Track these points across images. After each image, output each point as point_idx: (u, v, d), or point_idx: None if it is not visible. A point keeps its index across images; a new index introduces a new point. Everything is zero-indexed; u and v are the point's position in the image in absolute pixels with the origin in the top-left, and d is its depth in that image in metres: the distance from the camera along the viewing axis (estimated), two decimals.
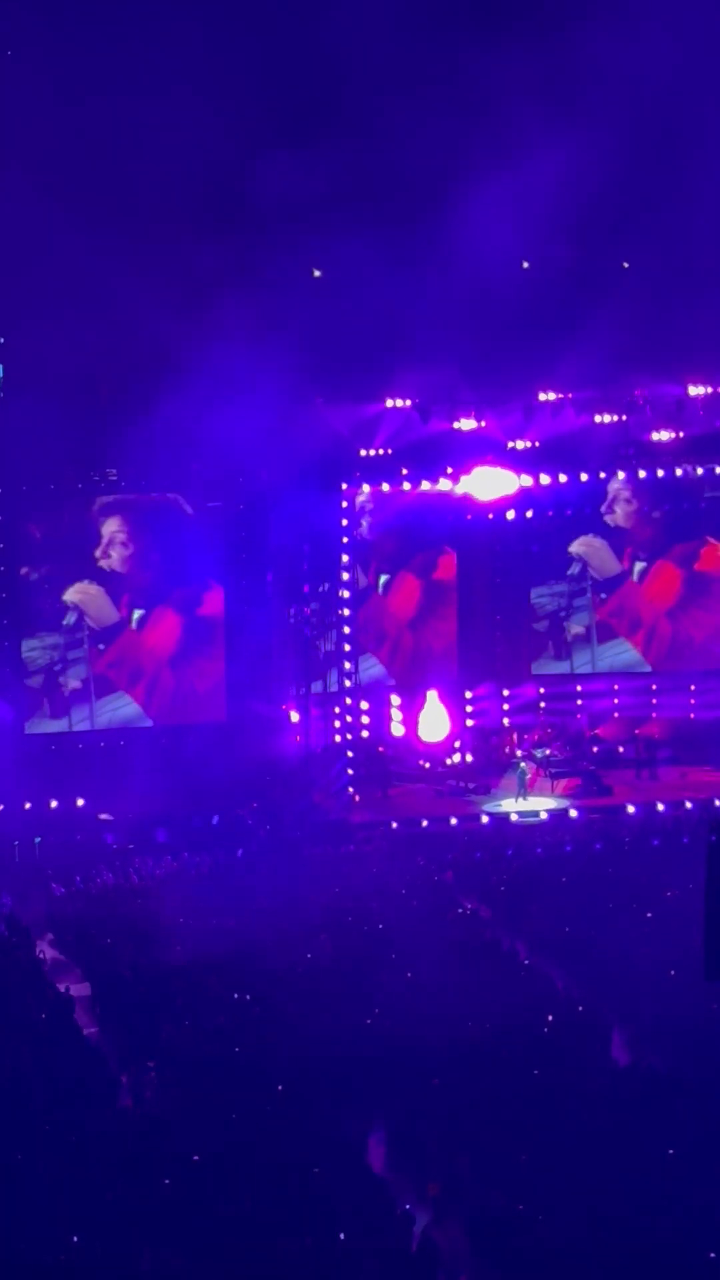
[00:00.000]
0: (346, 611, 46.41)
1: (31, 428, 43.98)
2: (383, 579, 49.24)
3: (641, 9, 42.46)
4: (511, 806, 45.20)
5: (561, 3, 44.83)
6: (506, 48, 43.75)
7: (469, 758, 48.50)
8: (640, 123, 44.49)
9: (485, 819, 44.51)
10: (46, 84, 44.02)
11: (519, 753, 47.65)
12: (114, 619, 46.63)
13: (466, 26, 45.10)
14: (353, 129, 44.39)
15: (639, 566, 50.24)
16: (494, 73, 43.73)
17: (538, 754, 47.18)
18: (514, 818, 44.55)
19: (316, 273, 47.66)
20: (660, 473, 48.00)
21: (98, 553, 46.44)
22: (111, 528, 46.46)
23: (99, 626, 46.51)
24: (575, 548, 49.93)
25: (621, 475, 48.37)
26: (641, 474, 48.06)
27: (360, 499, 47.27)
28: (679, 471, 48.06)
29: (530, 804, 45.23)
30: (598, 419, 48.43)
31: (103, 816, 43.65)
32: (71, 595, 46.26)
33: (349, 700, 46.68)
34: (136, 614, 46.94)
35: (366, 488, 46.72)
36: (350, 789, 45.94)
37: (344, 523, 46.14)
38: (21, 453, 44.73)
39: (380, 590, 49.27)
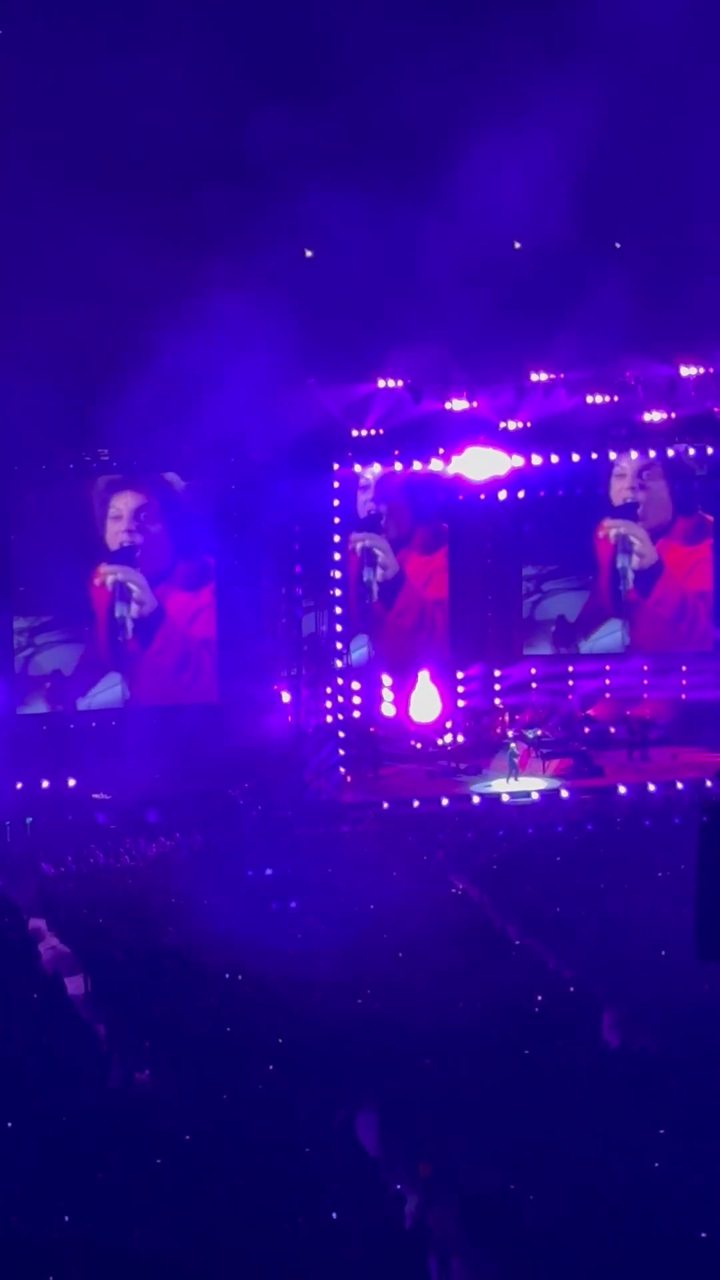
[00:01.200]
0: (338, 592, 46.38)
1: (22, 407, 43.87)
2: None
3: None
4: (503, 787, 45.21)
5: None
6: (502, 20, 43.72)
7: (460, 738, 48.50)
8: (634, 103, 44.42)
9: (477, 799, 44.51)
10: (34, 52, 43.91)
11: (510, 733, 47.65)
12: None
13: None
14: (345, 105, 44.25)
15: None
16: (489, 46, 43.70)
17: (529, 734, 47.20)
18: (505, 798, 44.57)
19: (308, 253, 47.56)
20: (652, 453, 47.98)
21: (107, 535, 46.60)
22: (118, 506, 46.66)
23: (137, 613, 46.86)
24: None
25: (613, 455, 48.35)
26: (634, 455, 48.03)
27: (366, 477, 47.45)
28: (670, 452, 48.03)
29: (522, 785, 45.23)
30: (590, 399, 48.35)
31: (97, 796, 43.60)
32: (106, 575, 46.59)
33: (340, 680, 46.66)
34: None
35: (378, 467, 46.71)
36: (342, 769, 45.92)
37: (335, 503, 46.09)
38: (12, 433, 44.63)
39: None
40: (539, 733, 47.45)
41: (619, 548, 50.56)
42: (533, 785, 45.24)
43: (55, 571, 45.94)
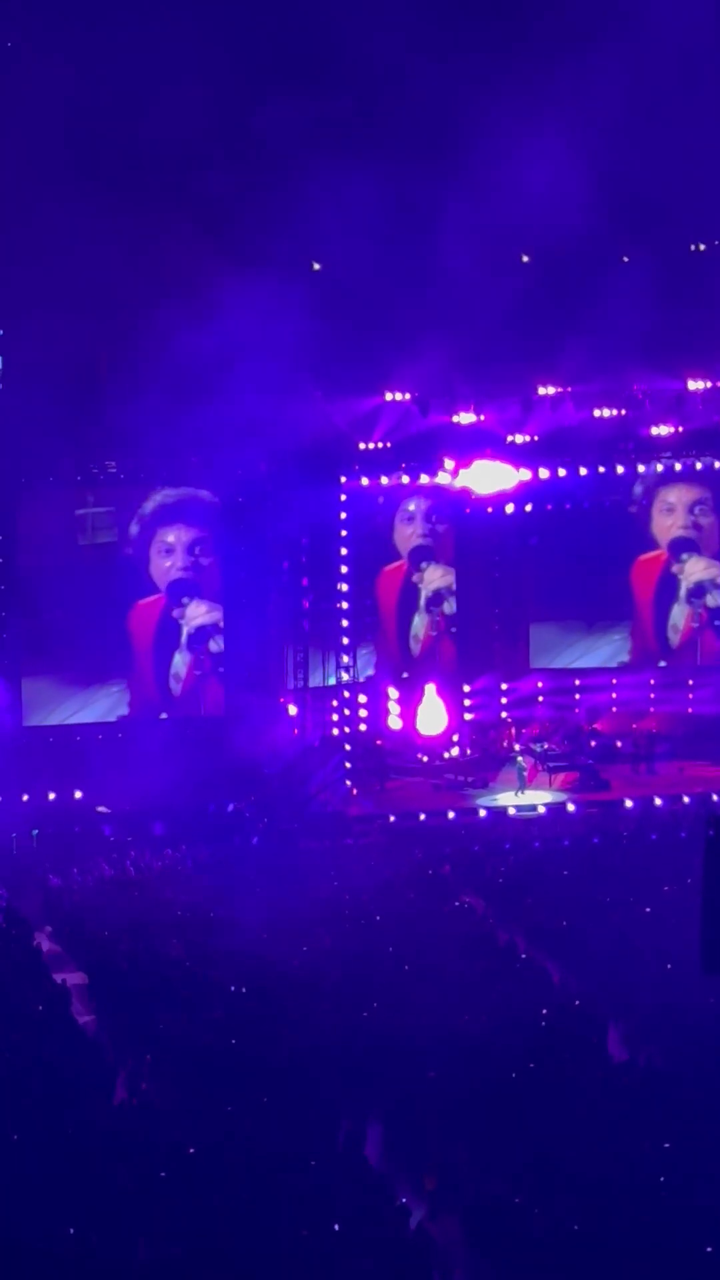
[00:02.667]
0: (345, 604, 46.40)
1: (31, 420, 43.95)
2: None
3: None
4: (510, 800, 45.19)
5: None
6: (499, 38, 43.81)
7: (467, 751, 48.48)
8: (641, 115, 44.46)
9: (483, 813, 44.49)
10: (34, 53, 44.00)
11: (517, 747, 47.62)
12: None
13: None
14: (354, 113, 44.36)
15: None
16: (495, 62, 43.77)
17: (535, 748, 47.17)
18: (512, 811, 44.55)
19: (316, 266, 47.64)
20: (659, 467, 47.99)
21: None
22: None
23: None
24: None
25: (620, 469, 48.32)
26: (641, 468, 48.03)
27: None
28: (678, 465, 48.04)
29: (528, 798, 45.23)
30: (597, 413, 48.41)
31: (100, 809, 43.61)
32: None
33: (347, 693, 46.67)
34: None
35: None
36: (348, 782, 45.92)
37: (343, 515, 46.11)
38: (20, 444, 44.70)
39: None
40: (546, 746, 47.43)
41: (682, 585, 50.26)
42: (539, 799, 45.24)
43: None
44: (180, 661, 46.74)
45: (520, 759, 46.36)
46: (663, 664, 49.97)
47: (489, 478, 46.56)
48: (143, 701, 46.37)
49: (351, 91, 44.52)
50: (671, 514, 49.85)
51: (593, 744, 48.58)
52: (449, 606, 49.57)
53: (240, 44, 45.08)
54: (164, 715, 45.99)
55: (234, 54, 44.94)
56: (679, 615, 50.18)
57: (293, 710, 47.67)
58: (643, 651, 50.39)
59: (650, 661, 50.26)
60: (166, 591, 46.69)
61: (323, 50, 45.15)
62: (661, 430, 48.45)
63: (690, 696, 49.82)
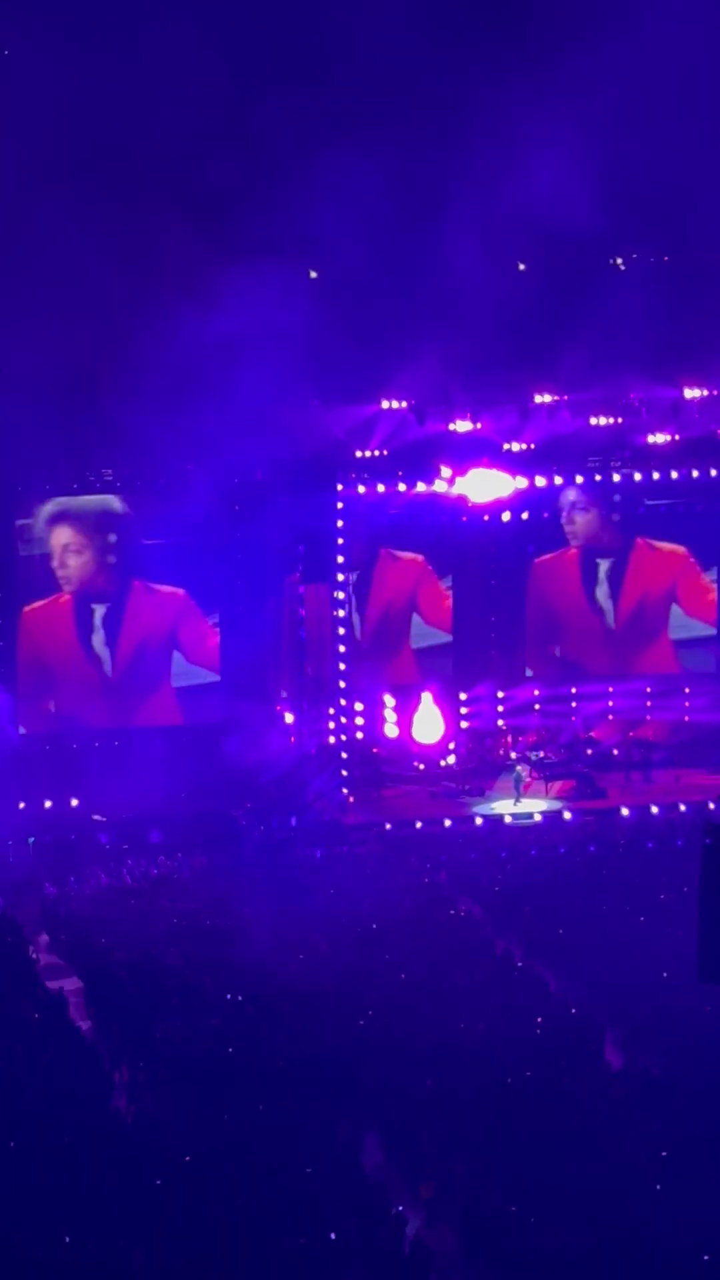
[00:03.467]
0: (341, 612, 46.39)
1: (26, 428, 43.93)
2: None
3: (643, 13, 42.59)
4: (506, 809, 45.16)
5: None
6: (501, 42, 43.84)
7: (463, 759, 48.44)
8: (639, 123, 44.47)
9: (479, 821, 44.47)
10: (38, 58, 44.02)
11: (513, 755, 47.57)
12: None
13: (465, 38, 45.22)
14: (353, 118, 44.30)
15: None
16: (491, 71, 43.82)
17: (531, 756, 47.14)
18: (508, 820, 44.52)
19: (313, 274, 47.66)
20: (655, 475, 47.95)
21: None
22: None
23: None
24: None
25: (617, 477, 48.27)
26: (637, 476, 47.98)
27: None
28: (674, 474, 48.01)
29: (524, 806, 45.19)
30: (593, 421, 48.40)
31: (96, 818, 43.56)
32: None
33: (343, 701, 46.65)
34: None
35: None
36: (344, 790, 45.88)
37: (339, 524, 46.10)
38: (15, 453, 44.67)
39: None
40: (542, 754, 47.41)
41: None
42: (535, 807, 45.19)
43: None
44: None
45: (519, 767, 46.31)
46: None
47: (485, 486, 46.52)
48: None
49: (350, 93, 44.46)
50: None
51: (589, 752, 48.53)
52: None
53: (235, 47, 45.08)
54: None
55: (229, 59, 44.93)
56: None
57: (289, 718, 47.65)
58: None
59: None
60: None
61: (319, 54, 45.15)
62: (658, 438, 48.43)
63: (686, 705, 49.77)
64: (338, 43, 44.08)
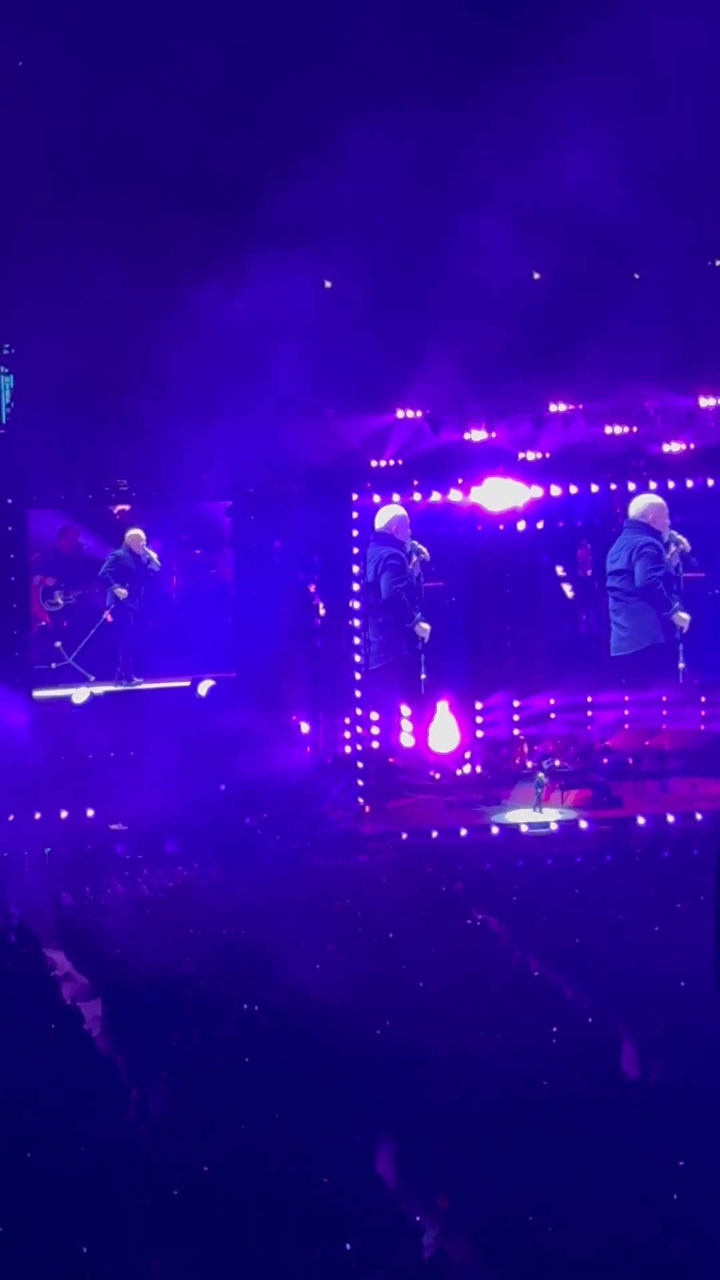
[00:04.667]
0: (357, 622, 46.40)
1: (42, 437, 44.05)
2: None
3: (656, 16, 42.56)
4: (522, 818, 45.12)
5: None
6: (514, 51, 43.84)
7: (479, 769, 48.42)
8: (652, 133, 44.46)
9: (495, 830, 44.45)
10: (45, 66, 44.11)
11: (542, 763, 47.33)
12: None
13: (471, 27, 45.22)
14: (365, 131, 44.25)
15: None
16: (507, 71, 43.84)
17: (545, 765, 47.09)
18: (524, 829, 44.51)
19: (327, 284, 47.69)
20: (671, 484, 47.93)
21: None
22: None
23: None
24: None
25: (632, 486, 48.19)
26: (652, 485, 47.94)
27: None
28: (689, 483, 47.99)
29: (541, 815, 45.16)
30: (608, 430, 48.40)
31: (115, 826, 43.59)
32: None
33: (359, 711, 46.65)
34: None
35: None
36: (360, 800, 45.89)
37: (355, 533, 46.13)
38: (32, 462, 44.79)
39: None
40: (557, 763, 47.38)
41: None
42: (551, 816, 45.18)
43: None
44: None
45: (541, 776, 46.22)
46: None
47: (500, 495, 46.54)
48: None
49: (362, 99, 44.40)
50: None
51: (605, 761, 48.50)
52: None
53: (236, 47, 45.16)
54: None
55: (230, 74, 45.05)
56: None
57: (305, 728, 47.67)
58: None
59: None
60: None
61: (325, 54, 45.18)
62: (673, 447, 48.41)
63: (702, 714, 49.69)
64: (345, 42, 44.11)
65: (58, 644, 46.88)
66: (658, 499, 47.83)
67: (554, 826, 44.59)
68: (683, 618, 48.54)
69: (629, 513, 47.95)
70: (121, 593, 47.38)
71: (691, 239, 47.25)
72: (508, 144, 44.28)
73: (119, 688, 47.24)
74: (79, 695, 46.99)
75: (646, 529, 47.98)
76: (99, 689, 46.93)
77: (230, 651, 47.85)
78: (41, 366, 45.84)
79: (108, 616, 47.18)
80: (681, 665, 48.94)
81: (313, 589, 47.58)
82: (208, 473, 46.62)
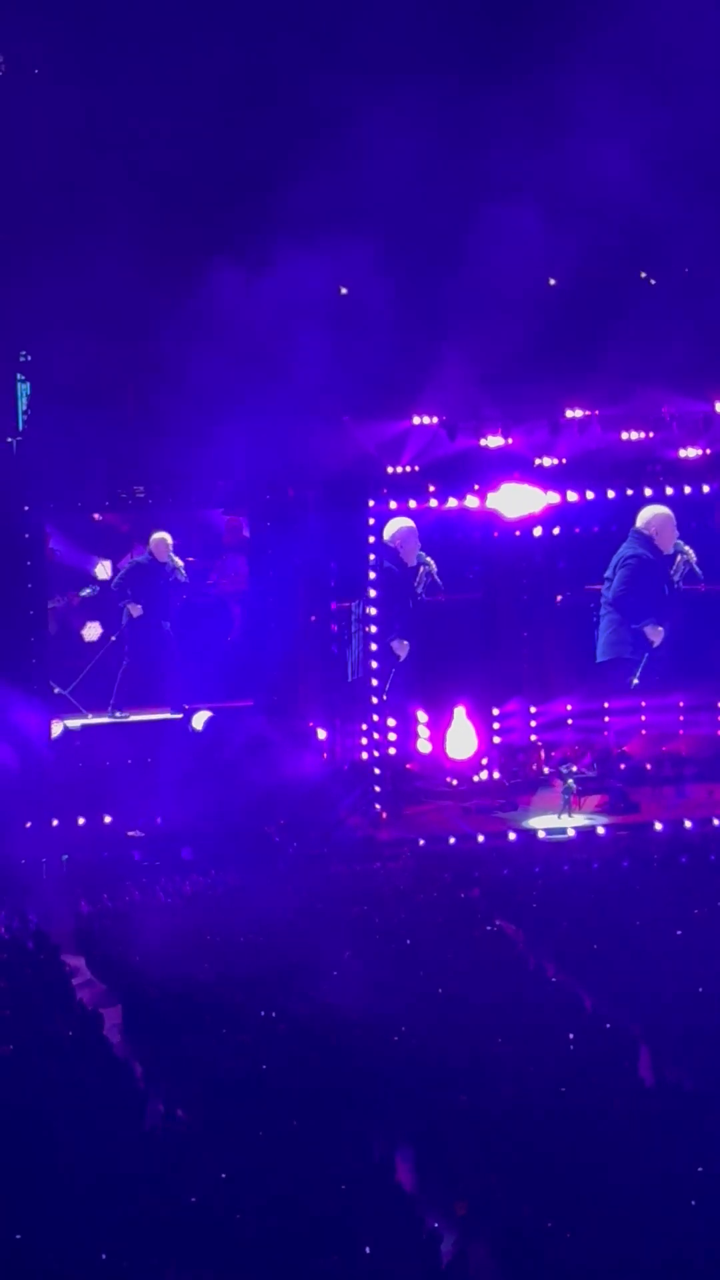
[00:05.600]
0: (374, 628, 46.39)
1: (59, 444, 44.10)
2: None
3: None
4: (549, 823, 45.05)
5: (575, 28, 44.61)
6: (521, 82, 43.85)
7: (496, 775, 48.38)
8: (671, 138, 44.42)
9: (513, 836, 44.41)
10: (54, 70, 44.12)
11: (569, 769, 47.24)
12: None
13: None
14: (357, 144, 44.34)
15: None
16: (514, 102, 43.84)
17: (572, 771, 46.99)
18: (541, 835, 44.47)
19: (343, 290, 47.71)
20: (687, 489, 47.85)
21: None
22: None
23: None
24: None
25: (649, 492, 48.09)
26: (669, 490, 47.86)
27: None
28: (706, 488, 47.91)
29: (560, 821, 45.12)
30: (624, 436, 48.35)
31: (132, 833, 43.63)
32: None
33: (376, 717, 46.64)
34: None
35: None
36: (377, 806, 45.88)
37: (371, 539, 46.13)
38: (49, 469, 44.84)
39: None
40: (575, 769, 47.33)
41: None
42: (569, 822, 45.14)
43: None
44: None
45: (570, 782, 46.13)
46: None
47: (517, 501, 46.51)
48: None
49: (376, 98, 44.38)
50: None
51: (622, 766, 48.44)
52: None
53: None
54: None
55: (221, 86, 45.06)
56: None
57: (321, 734, 47.67)
58: None
59: None
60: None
61: (330, 58, 45.24)
62: (690, 453, 48.35)
63: (719, 719, 49.61)
64: (354, 43, 44.16)
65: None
66: (665, 510, 47.68)
67: (571, 832, 44.54)
68: (654, 632, 48.40)
69: (635, 521, 47.86)
70: (135, 610, 47.06)
71: (709, 243, 47.13)
72: (525, 148, 44.27)
73: (103, 720, 47.08)
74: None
75: (644, 541, 47.89)
76: (75, 723, 46.72)
77: (236, 676, 47.34)
78: (58, 374, 45.89)
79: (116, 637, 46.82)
80: (635, 681, 48.74)
81: (329, 595, 47.57)
82: (224, 479, 46.63)
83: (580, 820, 45.28)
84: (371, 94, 43.09)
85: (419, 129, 43.80)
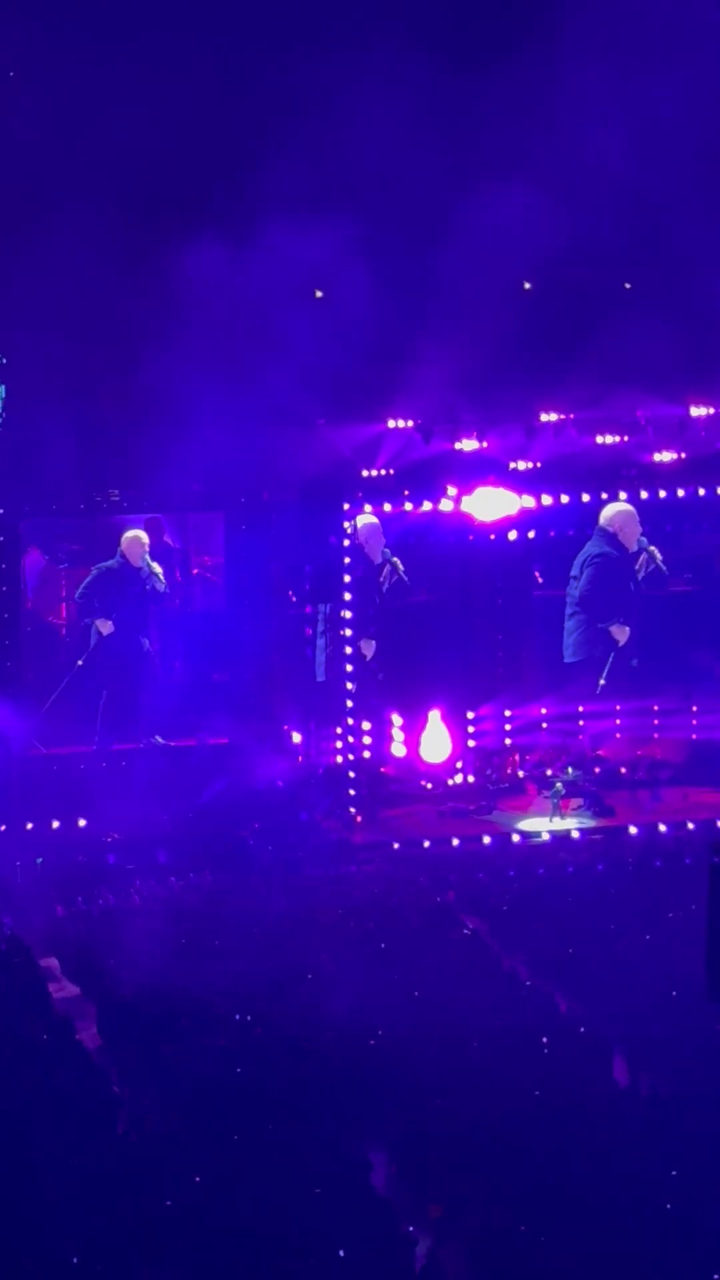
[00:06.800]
0: (348, 632, 46.36)
1: (33, 449, 43.98)
2: None
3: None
4: (516, 827, 45.08)
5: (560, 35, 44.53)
6: (504, 72, 43.76)
7: (471, 779, 48.38)
8: (647, 143, 44.49)
9: (488, 840, 44.40)
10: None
11: (570, 771, 47.20)
12: None
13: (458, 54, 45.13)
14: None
15: None
16: (496, 96, 43.76)
17: (552, 775, 46.97)
18: (516, 839, 44.48)
19: (318, 293, 47.71)
20: (662, 493, 47.91)
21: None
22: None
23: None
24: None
25: (623, 495, 48.12)
26: (644, 494, 47.90)
27: None
28: (681, 492, 47.96)
29: (537, 824, 45.14)
30: (599, 439, 48.39)
31: (110, 838, 43.50)
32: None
33: (350, 721, 46.62)
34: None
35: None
36: (352, 809, 45.86)
37: (346, 543, 46.11)
38: (23, 473, 44.73)
39: None
40: (549, 772, 47.33)
41: None
42: (547, 825, 45.16)
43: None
44: None
45: (559, 785, 46.14)
46: None
47: (492, 504, 46.51)
48: None
49: (352, 101, 44.32)
50: None
51: (597, 770, 48.46)
52: None
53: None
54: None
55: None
56: None
57: (296, 738, 47.63)
58: None
59: None
60: None
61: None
62: (664, 456, 48.39)
63: (694, 723, 49.68)
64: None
65: None
66: (627, 507, 47.70)
67: (545, 836, 44.56)
68: (619, 631, 48.47)
69: (598, 520, 47.92)
70: (105, 628, 46.64)
71: (688, 245, 47.15)
72: (502, 150, 44.30)
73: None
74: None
75: (608, 538, 47.95)
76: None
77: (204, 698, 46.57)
78: (32, 377, 45.77)
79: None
80: (602, 681, 48.77)
81: (294, 596, 47.53)
82: (198, 482, 46.54)
83: (559, 824, 45.28)
84: (349, 88, 43.00)
85: (399, 135, 43.80)
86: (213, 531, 47.67)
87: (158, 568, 46.32)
